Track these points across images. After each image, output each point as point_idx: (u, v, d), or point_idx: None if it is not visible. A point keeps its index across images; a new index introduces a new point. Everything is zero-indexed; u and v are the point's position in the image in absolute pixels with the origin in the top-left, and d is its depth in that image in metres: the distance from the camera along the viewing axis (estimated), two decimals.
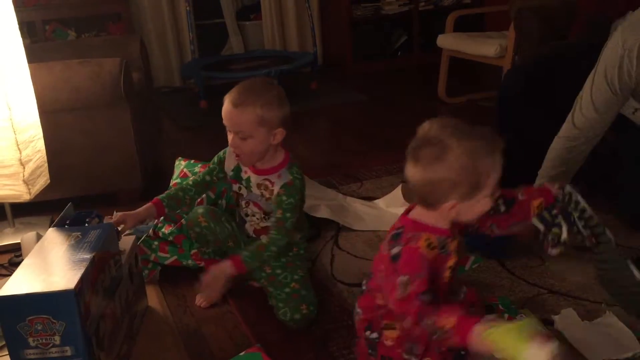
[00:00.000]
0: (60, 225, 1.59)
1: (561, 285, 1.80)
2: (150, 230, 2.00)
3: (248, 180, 1.78)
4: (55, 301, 1.26)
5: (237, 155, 1.73)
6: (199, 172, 2.11)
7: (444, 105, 3.81)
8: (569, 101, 1.85)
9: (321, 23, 4.85)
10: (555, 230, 1.41)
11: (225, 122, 1.68)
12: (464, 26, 3.94)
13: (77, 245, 1.43)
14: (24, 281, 1.33)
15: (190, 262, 1.97)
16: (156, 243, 1.97)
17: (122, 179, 2.54)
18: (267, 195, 1.75)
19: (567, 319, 1.62)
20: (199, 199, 1.96)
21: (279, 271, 1.78)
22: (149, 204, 1.80)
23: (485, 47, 3.45)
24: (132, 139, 2.48)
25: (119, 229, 1.71)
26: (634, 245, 1.92)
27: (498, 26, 4.01)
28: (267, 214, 1.79)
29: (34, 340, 1.28)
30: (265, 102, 1.63)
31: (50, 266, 1.38)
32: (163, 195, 1.84)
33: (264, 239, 1.73)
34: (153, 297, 1.87)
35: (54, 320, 1.27)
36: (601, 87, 1.79)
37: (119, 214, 1.76)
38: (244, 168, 1.79)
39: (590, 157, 1.88)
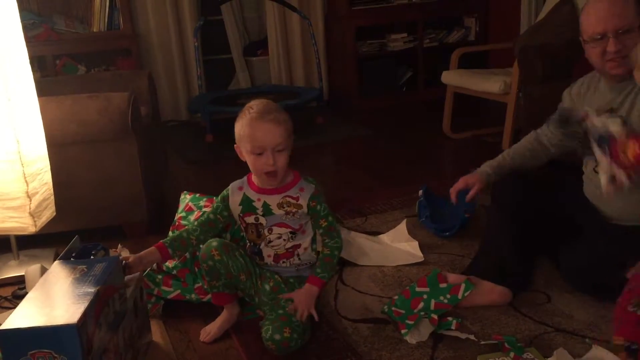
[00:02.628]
0: (66, 258, 1.59)
1: (568, 323, 1.78)
2: (154, 264, 1.99)
3: (265, 205, 1.78)
4: (58, 335, 1.26)
5: (271, 174, 1.71)
6: (204, 205, 2.12)
7: (449, 141, 3.83)
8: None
9: (327, 59, 4.92)
10: None
11: (265, 142, 1.67)
12: (468, 63, 3.98)
13: (82, 278, 1.43)
14: (27, 315, 1.32)
15: (193, 296, 1.96)
16: (160, 277, 1.97)
17: (128, 212, 2.54)
18: (293, 210, 1.76)
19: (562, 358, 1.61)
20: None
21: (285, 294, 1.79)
22: (152, 248, 1.79)
23: (489, 84, 3.48)
24: (138, 172, 2.50)
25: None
26: None
27: (502, 63, 4.05)
28: (294, 232, 1.80)
29: None
30: (284, 111, 1.73)
31: (53, 300, 1.38)
32: (167, 238, 1.84)
33: (325, 251, 1.80)
34: (156, 332, 1.86)
35: (55, 355, 1.26)
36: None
37: (128, 258, 1.73)
38: (254, 197, 1.79)
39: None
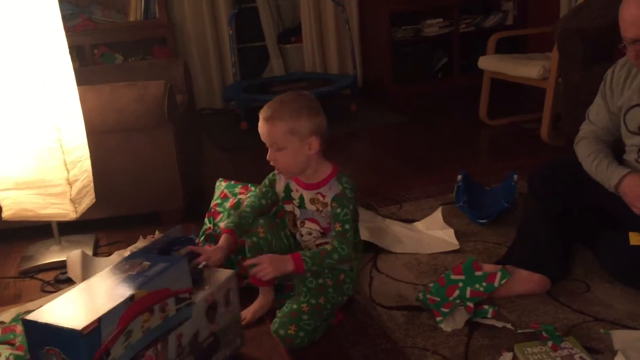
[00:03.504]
0: (151, 248, 1.50)
1: (607, 312, 1.74)
2: None
3: (301, 198, 1.79)
4: (64, 338, 1.21)
5: (277, 170, 1.76)
6: (239, 192, 2.14)
7: (486, 128, 3.77)
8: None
9: (361, 45, 4.89)
10: None
11: (261, 138, 1.71)
12: (505, 48, 3.90)
13: (134, 276, 1.36)
14: (57, 308, 1.29)
15: None
16: None
17: (165, 199, 2.58)
18: (321, 208, 1.76)
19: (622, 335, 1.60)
20: None
21: (305, 289, 1.78)
22: (225, 235, 1.76)
23: (527, 69, 3.41)
24: (174, 159, 2.53)
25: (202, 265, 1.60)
26: None
27: (541, 48, 3.97)
28: (324, 231, 1.79)
29: None
30: (293, 111, 1.67)
31: (92, 296, 1.34)
32: (230, 224, 1.82)
33: (327, 246, 1.73)
34: None
35: (64, 357, 1.23)
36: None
37: (205, 250, 1.65)
38: (294, 187, 1.80)
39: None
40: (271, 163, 1.74)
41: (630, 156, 1.92)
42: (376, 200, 2.69)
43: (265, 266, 1.66)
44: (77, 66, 3.50)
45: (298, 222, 1.82)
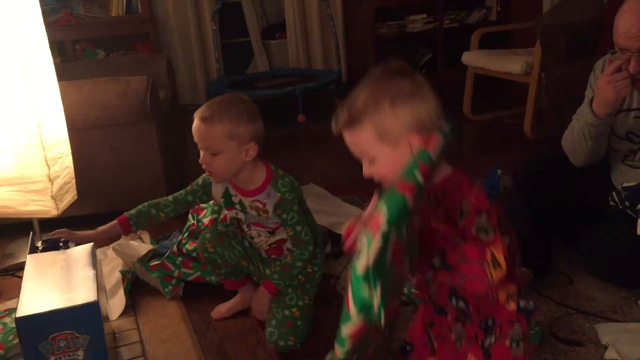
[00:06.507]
0: (33, 252, 1.64)
1: (590, 305, 1.76)
2: (175, 247, 2.01)
3: (241, 203, 1.73)
4: (80, 315, 1.27)
5: (208, 173, 1.68)
6: None
7: (469, 123, 3.79)
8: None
9: (345, 41, 4.88)
10: None
11: (195, 138, 1.64)
12: (489, 43, 3.92)
13: (70, 265, 1.47)
14: (39, 300, 1.31)
15: (213, 278, 1.97)
16: (180, 259, 1.98)
17: (148, 196, 2.52)
18: (264, 215, 1.71)
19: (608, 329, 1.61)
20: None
21: (290, 290, 1.75)
22: (114, 222, 1.80)
23: (511, 64, 3.42)
24: (158, 156, 2.51)
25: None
26: None
27: (524, 43, 3.99)
28: (272, 230, 1.76)
29: (56, 359, 1.27)
30: (234, 115, 1.59)
31: (56, 285, 1.37)
32: (132, 211, 1.82)
33: (288, 258, 1.72)
34: (176, 313, 1.88)
35: (77, 335, 1.26)
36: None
37: (74, 234, 1.83)
38: (232, 192, 1.74)
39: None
40: (203, 167, 1.66)
41: (617, 158, 1.92)
42: (361, 195, 2.69)
43: (257, 310, 1.77)
44: (58, 62, 3.46)
45: (244, 226, 1.78)
